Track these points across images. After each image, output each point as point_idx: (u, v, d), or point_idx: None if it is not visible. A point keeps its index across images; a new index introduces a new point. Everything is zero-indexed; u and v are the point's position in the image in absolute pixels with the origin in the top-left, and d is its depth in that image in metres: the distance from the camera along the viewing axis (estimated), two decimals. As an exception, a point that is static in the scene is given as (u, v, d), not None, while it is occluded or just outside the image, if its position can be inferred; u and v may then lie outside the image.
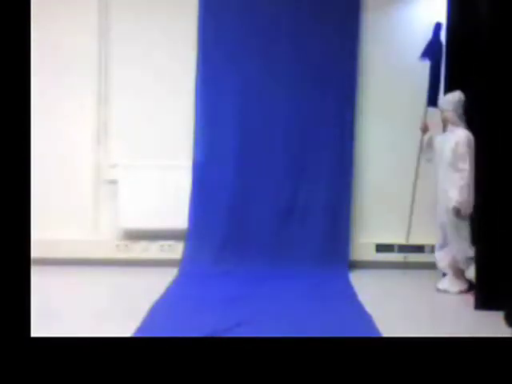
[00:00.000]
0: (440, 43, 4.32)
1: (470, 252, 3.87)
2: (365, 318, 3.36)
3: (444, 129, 4.14)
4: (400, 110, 4.88)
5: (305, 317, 3.39)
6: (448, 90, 4.43)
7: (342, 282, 4.24)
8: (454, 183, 3.92)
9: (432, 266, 4.60)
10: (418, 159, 4.52)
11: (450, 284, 4.10)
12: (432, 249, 4.74)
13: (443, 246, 4.16)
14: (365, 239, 4.85)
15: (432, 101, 4.34)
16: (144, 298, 3.65)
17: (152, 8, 4.84)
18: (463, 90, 4.09)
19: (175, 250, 4.75)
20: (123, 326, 3.07)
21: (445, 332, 3.18)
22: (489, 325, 3.24)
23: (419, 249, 4.81)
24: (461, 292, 4.03)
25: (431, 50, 4.30)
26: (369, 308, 3.53)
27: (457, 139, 3.92)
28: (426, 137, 4.37)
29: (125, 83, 4.83)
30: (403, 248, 4.81)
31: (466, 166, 3.86)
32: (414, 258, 4.78)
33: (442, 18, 4.54)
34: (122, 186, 4.76)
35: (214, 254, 4.57)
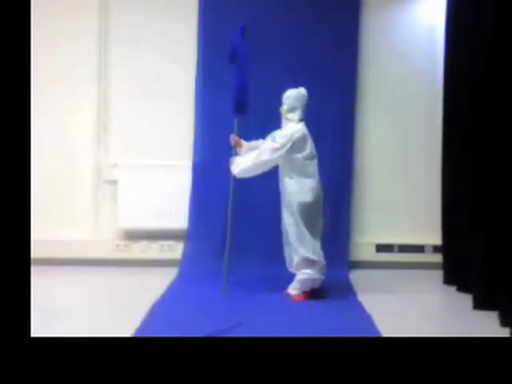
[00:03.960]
0: (243, 46, 3.85)
1: (308, 254, 3.68)
2: (365, 317, 3.36)
3: None
4: (400, 109, 4.88)
5: (305, 317, 3.39)
6: (447, 92, 4.43)
7: (341, 282, 4.24)
8: (300, 184, 3.75)
9: (432, 266, 4.61)
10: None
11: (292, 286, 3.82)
12: (432, 249, 4.75)
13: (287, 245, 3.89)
14: (365, 239, 4.85)
15: (240, 108, 3.83)
16: (144, 298, 3.65)
17: (152, 8, 4.84)
18: (462, 92, 4.07)
19: (175, 250, 4.75)
20: (123, 326, 3.07)
21: (445, 332, 3.18)
22: (488, 325, 3.23)
23: (419, 249, 4.81)
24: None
25: (236, 54, 3.85)
26: (369, 308, 3.53)
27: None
28: (244, 150, 3.96)
29: (125, 83, 4.83)
30: (403, 248, 4.81)
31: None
32: (414, 258, 4.79)
33: (442, 18, 4.55)
34: (121, 185, 4.76)
35: (214, 254, 4.56)
